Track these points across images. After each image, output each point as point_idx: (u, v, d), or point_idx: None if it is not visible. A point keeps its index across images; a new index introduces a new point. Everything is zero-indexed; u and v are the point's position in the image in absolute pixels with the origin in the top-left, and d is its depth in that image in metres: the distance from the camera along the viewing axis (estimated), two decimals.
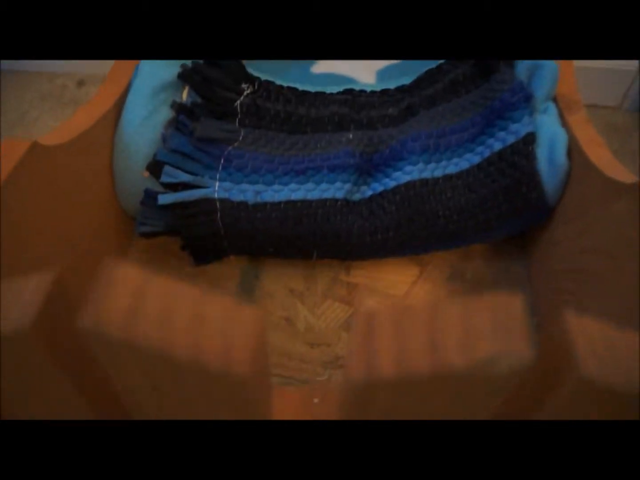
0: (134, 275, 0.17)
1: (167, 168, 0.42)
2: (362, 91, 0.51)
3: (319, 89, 0.52)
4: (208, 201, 0.42)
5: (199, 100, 0.44)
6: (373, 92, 0.51)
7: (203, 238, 0.44)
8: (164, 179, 0.42)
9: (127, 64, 0.46)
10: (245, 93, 0.46)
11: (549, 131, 0.41)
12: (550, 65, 0.43)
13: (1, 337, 0.18)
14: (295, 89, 0.50)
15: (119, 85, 0.45)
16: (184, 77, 0.44)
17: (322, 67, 0.58)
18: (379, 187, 0.44)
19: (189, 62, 0.44)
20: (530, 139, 0.40)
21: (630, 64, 0.67)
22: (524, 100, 0.42)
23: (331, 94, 0.51)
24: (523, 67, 0.44)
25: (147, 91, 0.43)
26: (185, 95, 0.44)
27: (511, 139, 0.41)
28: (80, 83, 0.76)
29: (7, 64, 0.76)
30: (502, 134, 0.42)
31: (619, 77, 0.68)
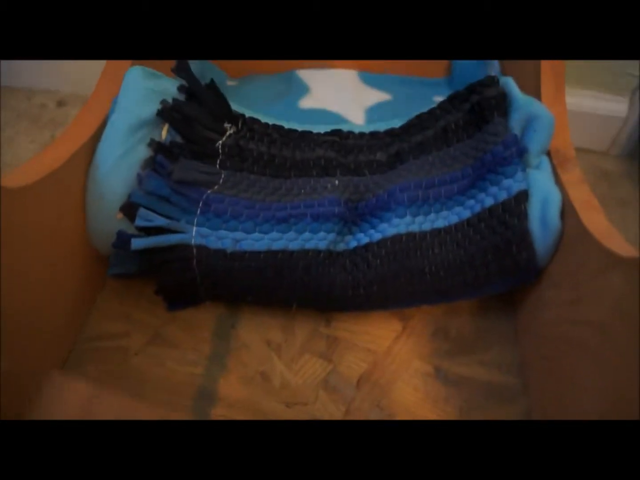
0: (81, 390, 0.15)
1: (142, 211, 0.39)
2: (350, 132, 0.49)
3: (306, 127, 0.50)
4: (184, 247, 0.40)
5: (178, 139, 0.42)
6: (362, 135, 0.49)
7: (178, 284, 0.42)
8: (139, 222, 0.39)
9: (105, 95, 0.44)
10: (227, 133, 0.44)
11: (542, 189, 0.39)
12: (545, 116, 0.41)
13: None
14: (281, 127, 0.49)
15: (95, 118, 0.43)
16: (163, 114, 0.41)
17: (310, 102, 0.57)
18: (364, 239, 0.42)
19: (169, 99, 0.42)
20: (522, 197, 0.39)
21: (619, 110, 0.66)
22: (517, 154, 0.40)
23: (318, 134, 0.49)
24: (517, 117, 0.42)
25: (124, 128, 0.40)
26: (164, 134, 0.42)
27: (503, 196, 0.40)
28: (61, 103, 0.73)
29: None
30: (493, 189, 0.40)
31: (607, 122, 0.67)
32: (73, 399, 0.15)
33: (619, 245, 0.33)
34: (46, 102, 0.72)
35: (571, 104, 0.48)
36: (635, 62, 0.64)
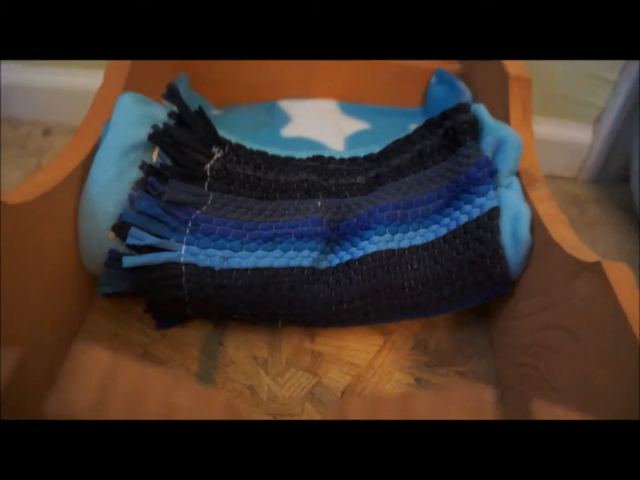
0: (102, 359, 0.17)
1: (133, 230, 0.41)
2: (331, 158, 0.52)
3: (288, 153, 0.52)
4: (174, 265, 0.42)
5: (168, 162, 0.44)
6: (342, 160, 0.51)
7: (167, 302, 0.43)
8: (130, 240, 0.41)
9: (96, 121, 0.46)
10: (215, 157, 0.46)
11: (512, 206, 0.42)
12: (514, 140, 0.44)
13: None
14: (264, 153, 0.51)
15: (87, 142, 0.45)
16: (154, 138, 0.44)
17: (292, 130, 0.59)
18: (345, 256, 0.44)
19: (160, 124, 0.44)
20: (494, 214, 0.41)
21: (584, 138, 0.70)
22: (489, 175, 0.43)
23: (300, 159, 0.51)
24: (488, 140, 0.45)
25: (117, 150, 0.42)
26: (155, 157, 0.44)
27: (476, 213, 0.42)
28: (46, 132, 0.75)
29: None
30: (467, 207, 0.43)
31: (575, 150, 0.71)
32: (94, 368, 0.17)
33: (583, 252, 0.35)
34: (32, 131, 0.73)
35: (541, 133, 0.51)
36: (598, 86, 0.68)
